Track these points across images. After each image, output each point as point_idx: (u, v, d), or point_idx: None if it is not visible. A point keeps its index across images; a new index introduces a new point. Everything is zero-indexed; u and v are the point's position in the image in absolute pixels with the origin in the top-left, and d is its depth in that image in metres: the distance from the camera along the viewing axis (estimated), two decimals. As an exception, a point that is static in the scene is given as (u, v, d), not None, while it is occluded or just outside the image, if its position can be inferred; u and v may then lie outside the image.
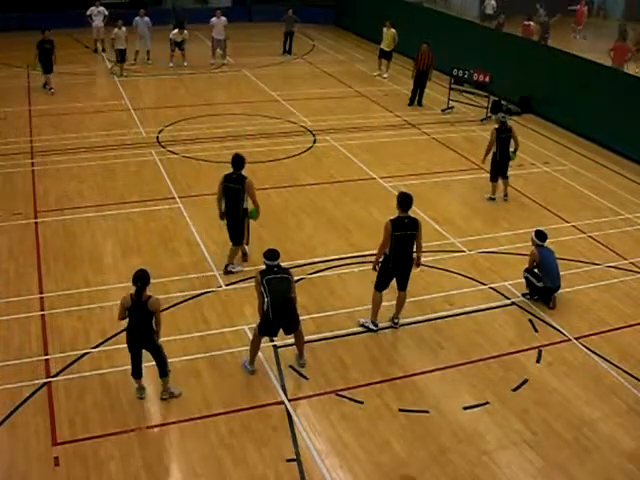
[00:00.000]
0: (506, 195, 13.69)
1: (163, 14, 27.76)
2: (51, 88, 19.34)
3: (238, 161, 10.27)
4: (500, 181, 13.62)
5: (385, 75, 22.42)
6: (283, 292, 8.10)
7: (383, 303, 9.49)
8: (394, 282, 9.35)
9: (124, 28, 21.20)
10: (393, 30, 21.68)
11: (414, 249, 9.17)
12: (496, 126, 13.52)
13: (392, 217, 9.03)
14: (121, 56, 21.44)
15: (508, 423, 7.95)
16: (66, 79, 20.48)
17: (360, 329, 9.46)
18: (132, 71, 22.18)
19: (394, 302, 9.54)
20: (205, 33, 26.45)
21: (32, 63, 19.49)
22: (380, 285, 9.31)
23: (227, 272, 10.57)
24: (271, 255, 8.11)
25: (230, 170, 10.32)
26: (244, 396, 8.17)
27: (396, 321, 9.59)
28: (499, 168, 13.46)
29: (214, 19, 23.04)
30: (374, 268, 9.32)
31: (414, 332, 9.51)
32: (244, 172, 10.35)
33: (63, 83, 20.10)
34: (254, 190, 10.23)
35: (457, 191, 14.18)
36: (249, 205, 10.33)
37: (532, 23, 25.50)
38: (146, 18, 22.39)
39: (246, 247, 10.89)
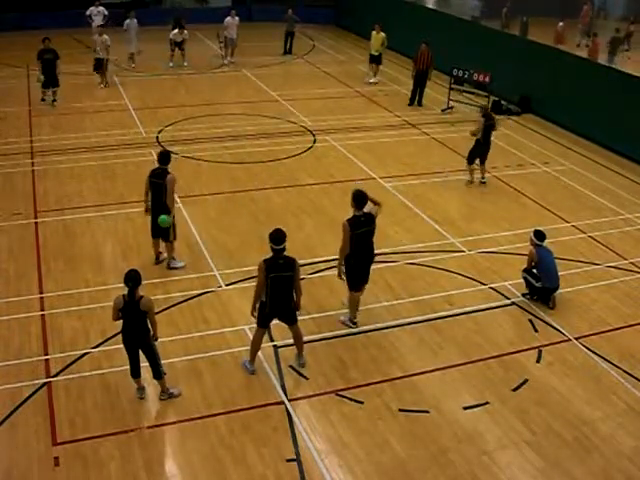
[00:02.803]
0: (483, 177, 14.38)
1: (163, 14, 27.77)
2: (54, 100, 18.34)
3: (162, 156, 10.50)
4: (479, 166, 14.29)
5: (373, 79, 21.80)
6: (283, 292, 8.13)
7: (383, 303, 9.60)
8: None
9: (105, 35, 20.14)
10: (382, 34, 21.17)
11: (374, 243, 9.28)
12: (481, 115, 14.23)
13: (348, 217, 9.02)
14: (99, 64, 20.28)
15: (508, 423, 7.95)
16: (66, 79, 20.42)
17: (359, 329, 9.46)
18: (132, 71, 22.21)
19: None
20: (205, 33, 26.53)
21: (39, 78, 18.21)
22: (353, 285, 9.30)
23: (170, 268, 10.70)
24: (276, 238, 7.99)
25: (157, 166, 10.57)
26: (244, 396, 8.17)
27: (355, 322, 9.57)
28: (480, 154, 14.15)
29: (229, 19, 22.98)
30: (339, 276, 9.25)
31: (414, 332, 9.51)
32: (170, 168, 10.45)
33: (63, 83, 20.05)
34: (173, 187, 10.29)
35: (457, 191, 14.18)
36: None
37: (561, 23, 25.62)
38: (135, 20, 22.19)
39: (164, 255, 10.87)
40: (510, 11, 27.64)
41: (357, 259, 9.14)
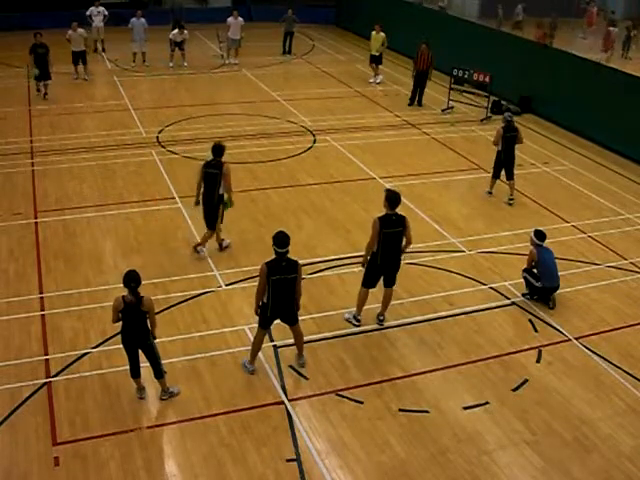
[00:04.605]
0: (511, 199, 13.51)
1: (163, 14, 27.77)
2: (45, 94, 18.63)
3: (218, 149, 10.74)
4: (506, 183, 13.57)
5: (376, 80, 21.78)
6: (285, 294, 8.10)
7: (392, 302, 9.59)
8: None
9: (80, 30, 20.44)
10: (382, 34, 21.07)
11: (402, 247, 9.20)
12: (502, 125, 13.35)
13: (380, 215, 9.06)
14: (76, 58, 20.48)
15: (508, 423, 7.95)
16: (66, 79, 20.48)
17: (360, 329, 9.46)
18: (132, 71, 22.21)
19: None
20: (205, 33, 26.52)
21: (30, 71, 18.43)
22: (367, 282, 9.38)
23: (196, 251, 11.15)
24: (281, 242, 7.89)
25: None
26: (244, 396, 8.17)
27: (381, 318, 9.62)
28: (503, 167, 13.44)
29: (231, 19, 22.97)
30: (363, 265, 9.38)
31: (414, 332, 9.52)
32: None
33: (63, 83, 20.10)
34: (230, 176, 10.70)
35: (457, 191, 14.19)
36: (226, 194, 10.83)
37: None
38: (142, 19, 22.37)
39: (226, 241, 11.34)
40: (505, 11, 27.55)
41: (383, 259, 9.10)
